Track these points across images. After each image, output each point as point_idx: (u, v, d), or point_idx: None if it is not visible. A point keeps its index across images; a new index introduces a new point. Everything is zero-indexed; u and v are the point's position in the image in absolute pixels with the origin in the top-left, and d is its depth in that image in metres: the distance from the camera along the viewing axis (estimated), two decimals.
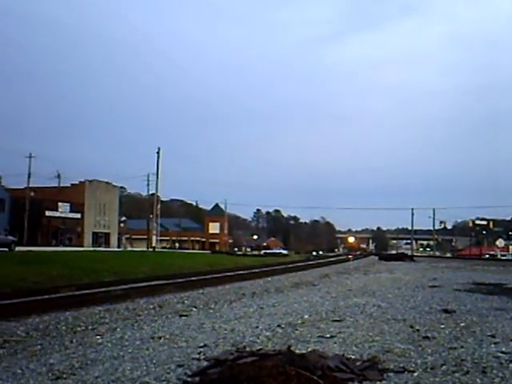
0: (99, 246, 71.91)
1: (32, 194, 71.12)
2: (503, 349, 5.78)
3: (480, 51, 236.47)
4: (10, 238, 42.15)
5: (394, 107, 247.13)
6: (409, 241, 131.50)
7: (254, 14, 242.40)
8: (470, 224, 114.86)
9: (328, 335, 6.82)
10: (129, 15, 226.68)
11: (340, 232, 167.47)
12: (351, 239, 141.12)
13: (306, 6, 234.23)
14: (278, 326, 7.75)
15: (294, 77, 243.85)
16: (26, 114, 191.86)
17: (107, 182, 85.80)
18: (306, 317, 8.70)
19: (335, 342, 6.29)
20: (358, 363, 4.96)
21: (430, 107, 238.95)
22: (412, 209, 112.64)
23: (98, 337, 7.88)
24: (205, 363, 5.07)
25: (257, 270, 27.53)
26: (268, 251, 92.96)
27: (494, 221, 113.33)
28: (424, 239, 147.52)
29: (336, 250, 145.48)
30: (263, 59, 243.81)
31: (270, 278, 21.55)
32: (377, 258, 55.87)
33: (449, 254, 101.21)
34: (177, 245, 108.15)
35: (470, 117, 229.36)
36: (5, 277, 18.25)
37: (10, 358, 6.69)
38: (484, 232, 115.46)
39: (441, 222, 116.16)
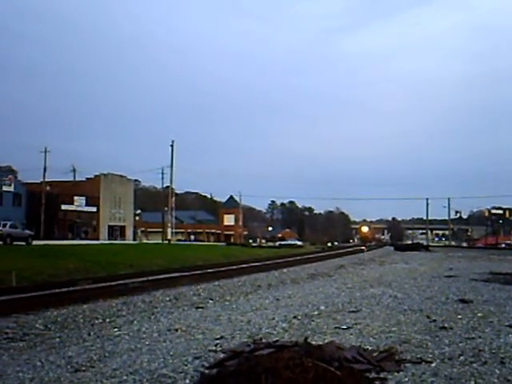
0: (115, 239, 72.38)
1: (48, 188, 71.64)
2: None
3: (497, 38, 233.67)
4: (27, 231, 42.55)
5: (408, 96, 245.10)
6: (424, 231, 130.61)
7: (267, 8, 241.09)
8: (486, 213, 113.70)
9: (344, 326, 6.81)
10: (136, 9, 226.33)
11: (355, 223, 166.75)
12: (365, 229, 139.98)
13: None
14: (295, 317, 7.76)
15: (305, 68, 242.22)
16: (42, 110, 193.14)
17: (122, 176, 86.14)
18: (323, 308, 8.70)
19: (352, 334, 6.28)
20: (374, 354, 4.94)
21: (446, 96, 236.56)
22: (427, 199, 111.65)
23: (115, 329, 7.95)
24: (222, 355, 5.08)
25: (272, 262, 27.60)
26: (283, 242, 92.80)
27: (511, 210, 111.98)
28: (439, 229, 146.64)
29: (351, 240, 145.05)
30: (277, 52, 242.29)
31: (285, 270, 21.59)
32: (392, 248, 55.76)
33: (464, 244, 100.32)
34: (192, 237, 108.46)
35: (488, 104, 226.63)
36: (23, 270, 18.46)
37: (29, 350, 6.79)
38: (500, 221, 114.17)
39: (456, 212, 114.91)
